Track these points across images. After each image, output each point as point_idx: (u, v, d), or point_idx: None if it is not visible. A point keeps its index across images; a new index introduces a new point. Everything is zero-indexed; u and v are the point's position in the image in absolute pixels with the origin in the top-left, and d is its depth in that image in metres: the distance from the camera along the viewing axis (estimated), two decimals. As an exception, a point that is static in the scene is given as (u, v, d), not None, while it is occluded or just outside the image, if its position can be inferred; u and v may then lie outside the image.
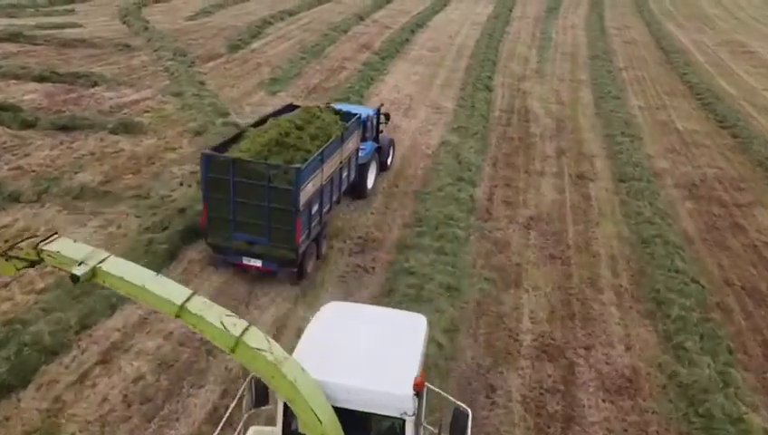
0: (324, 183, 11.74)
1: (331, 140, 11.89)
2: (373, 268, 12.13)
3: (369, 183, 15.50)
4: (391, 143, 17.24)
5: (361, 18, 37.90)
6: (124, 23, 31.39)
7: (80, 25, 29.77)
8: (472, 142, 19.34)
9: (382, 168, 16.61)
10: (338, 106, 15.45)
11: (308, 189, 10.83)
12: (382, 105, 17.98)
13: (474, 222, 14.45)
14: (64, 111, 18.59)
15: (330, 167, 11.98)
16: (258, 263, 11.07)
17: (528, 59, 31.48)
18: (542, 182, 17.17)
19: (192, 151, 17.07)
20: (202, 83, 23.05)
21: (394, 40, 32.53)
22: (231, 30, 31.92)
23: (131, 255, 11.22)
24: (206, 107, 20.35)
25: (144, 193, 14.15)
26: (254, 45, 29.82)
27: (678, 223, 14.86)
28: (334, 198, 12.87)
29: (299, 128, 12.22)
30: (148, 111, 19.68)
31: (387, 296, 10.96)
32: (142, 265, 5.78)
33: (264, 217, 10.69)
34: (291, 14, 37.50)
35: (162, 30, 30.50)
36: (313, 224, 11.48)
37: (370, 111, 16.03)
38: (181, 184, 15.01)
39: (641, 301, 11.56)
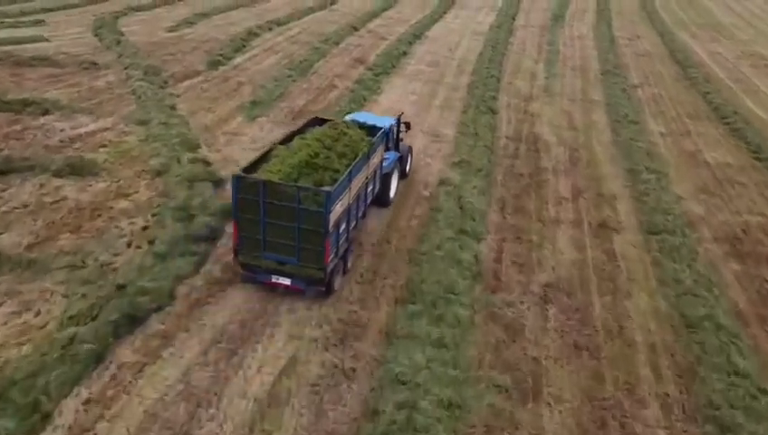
0: (352, 201, 11.90)
1: (358, 159, 11.94)
2: (354, 370, 9.63)
3: (392, 192, 15.51)
4: (410, 150, 17.20)
5: (355, 28, 35.43)
6: (96, 35, 28.90)
7: (45, 39, 27.24)
8: (475, 181, 16.87)
9: (402, 175, 16.53)
10: (357, 116, 15.80)
11: (337, 210, 10.93)
12: (402, 114, 17.87)
13: (479, 294, 11.98)
14: (1, 150, 16.19)
15: (357, 184, 12.10)
16: (287, 281, 11.24)
17: (535, 74, 29.02)
18: (557, 234, 14.70)
19: (149, 198, 14.61)
20: (173, 108, 20.57)
21: (390, 53, 30.05)
22: (213, 43, 29.44)
23: (42, 361, 8.79)
24: (174, 138, 17.87)
25: (80, 260, 11.66)
26: (237, 60, 27.33)
27: (726, 294, 12.36)
28: (360, 214, 13.09)
29: (327, 147, 12.24)
30: (104, 146, 17.19)
31: (370, 421, 8.49)
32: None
33: (294, 237, 10.81)
34: (280, 23, 35.00)
35: (137, 43, 28.02)
36: (341, 242, 11.63)
37: (392, 121, 15.82)
38: (129, 245, 12.55)
39: (696, 422, 9.10)
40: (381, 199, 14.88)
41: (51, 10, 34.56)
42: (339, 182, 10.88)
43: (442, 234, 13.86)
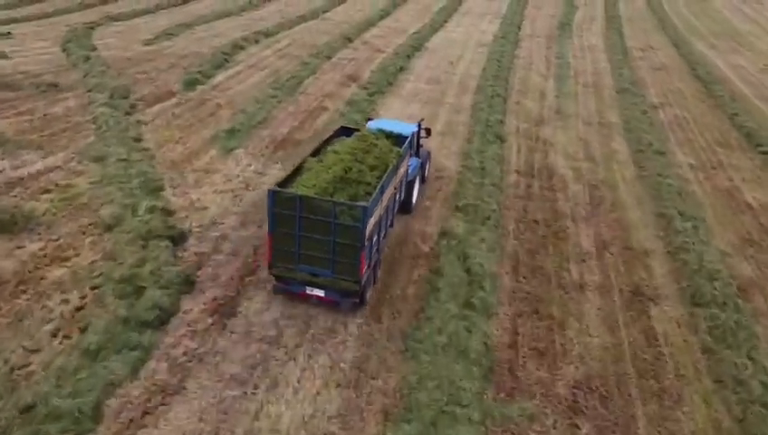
0: (383, 212, 12.01)
1: (389, 172, 12.04)
2: None
3: (414, 198, 15.50)
4: (429, 156, 17.22)
5: (349, 40, 32.94)
6: (64, 50, 26.42)
7: (5, 56, 24.74)
8: (483, 231, 14.39)
9: (421, 180, 16.46)
10: (379, 123, 15.78)
11: (371, 223, 10.95)
12: (423, 119, 17.79)
13: (492, 403, 9.52)
14: None
15: (387, 196, 12.19)
16: (321, 293, 11.33)
17: (545, 93, 26.55)
18: (583, 305, 12.22)
19: (91, 262, 12.13)
20: (137, 140, 18.09)
21: (386, 68, 27.57)
22: (192, 58, 26.97)
23: None
24: (133, 179, 15.40)
25: (-15, 362, 9.24)
26: (217, 79, 24.85)
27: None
28: (389, 224, 13.27)
29: (359, 160, 12.21)
30: (49, 191, 14.69)
31: None
32: None
33: (329, 250, 10.88)
34: (267, 34, 32.51)
35: (109, 59, 25.55)
36: (373, 253, 11.67)
37: (413, 127, 15.68)
38: (54, 335, 10.07)
39: None
40: (404, 206, 14.91)
41: (20, 20, 32.10)
42: (373, 197, 10.97)
43: (444, 310, 11.38)
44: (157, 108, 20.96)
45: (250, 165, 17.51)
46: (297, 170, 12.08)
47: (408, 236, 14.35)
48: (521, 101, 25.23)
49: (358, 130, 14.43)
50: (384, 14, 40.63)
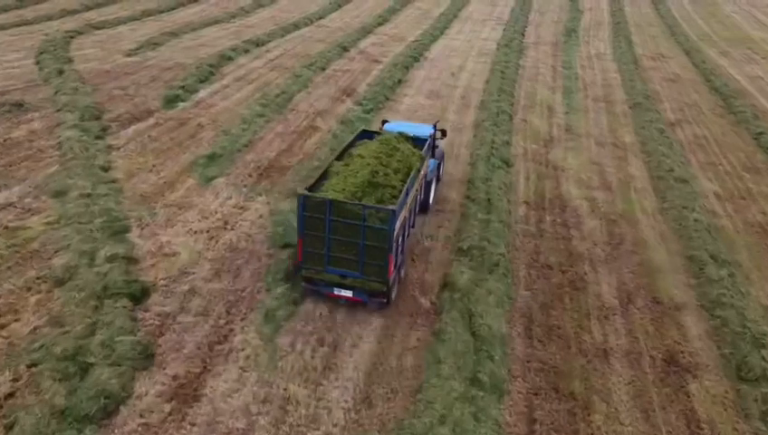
0: (407, 214, 12.31)
1: (412, 175, 12.38)
2: None
3: (431, 198, 15.80)
4: (443, 155, 17.37)
5: (345, 49, 31.15)
6: (38, 63, 24.65)
7: (-29, 70, 23.09)
8: (491, 281, 12.61)
9: (437, 179, 16.60)
10: (395, 125, 16.07)
11: (397, 226, 11.14)
12: (438, 121, 18.84)
13: None
14: None
15: (411, 198, 12.44)
16: (349, 293, 11.52)
17: (553, 108, 24.78)
18: (610, 379, 10.44)
19: (33, 329, 10.35)
20: (106, 168, 16.33)
21: (383, 81, 25.81)
22: (176, 71, 25.19)
23: None
24: (96, 218, 13.64)
25: None
26: (201, 94, 23.06)
27: None
28: (412, 224, 13.51)
29: (384, 165, 12.47)
30: (-5, 235, 13.00)
31: None
32: None
33: (358, 253, 11.11)
34: (258, 43, 30.73)
35: (85, 73, 23.79)
36: (398, 253, 11.83)
37: (430, 129, 15.92)
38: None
39: None
40: (422, 206, 14.98)
41: (-4, 29, 30.35)
42: (400, 200, 11.32)
43: (447, 388, 9.61)
44: (132, 129, 19.18)
45: (230, 198, 15.73)
46: (324, 175, 12.36)
47: (406, 287, 12.59)
48: (527, 117, 23.47)
49: (378, 133, 14.96)
50: (382, 21, 38.86)
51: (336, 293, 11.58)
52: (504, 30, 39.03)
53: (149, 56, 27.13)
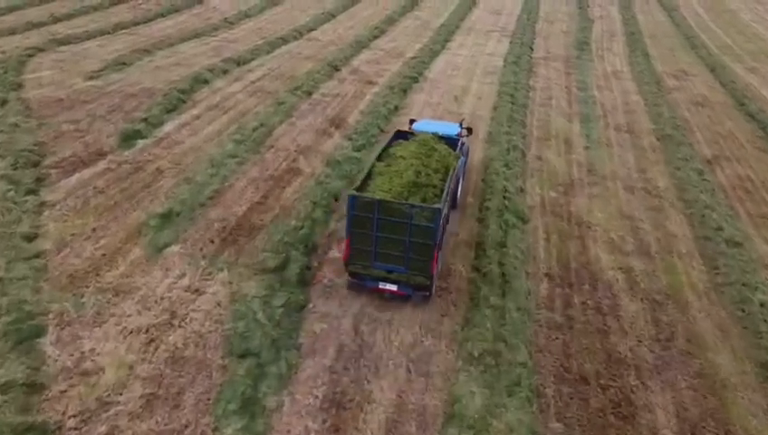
0: (446, 211, 13.03)
1: (451, 174, 13.18)
2: None
3: (458, 194, 16.13)
4: (468, 152, 17.68)
5: (336, 68, 28.06)
6: (-18, 90, 21.60)
7: None
8: (512, 410, 9.55)
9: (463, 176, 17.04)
10: (423, 125, 17.11)
11: (441, 223, 11.88)
12: (464, 119, 20.05)
13: None
14: None
15: (448, 195, 12.86)
16: (393, 287, 12.15)
17: (570, 141, 21.73)
18: None
19: None
20: (30, 238, 13.21)
21: (377, 109, 22.74)
22: (141, 98, 22.12)
23: None
24: (2, 316, 10.62)
25: None
26: (167, 128, 19.97)
27: None
28: (447, 222, 13.84)
29: (425, 165, 13.05)
30: None
31: None
32: None
33: (404, 249, 11.72)
34: (240, 62, 27.61)
35: (34, 102, 20.68)
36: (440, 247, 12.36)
37: (458, 127, 17.09)
38: None
39: None
40: (452, 202, 14.97)
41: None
42: (444, 199, 12.11)
43: None
44: (75, 178, 16.10)
45: (183, 275, 12.68)
46: (369, 176, 12.91)
47: (400, 420, 9.54)
48: (543, 154, 20.40)
49: (411, 132, 15.79)
50: (378, 33, 35.73)
51: (381, 287, 12.25)
52: (511, 42, 35.94)
53: (113, 80, 24.03)
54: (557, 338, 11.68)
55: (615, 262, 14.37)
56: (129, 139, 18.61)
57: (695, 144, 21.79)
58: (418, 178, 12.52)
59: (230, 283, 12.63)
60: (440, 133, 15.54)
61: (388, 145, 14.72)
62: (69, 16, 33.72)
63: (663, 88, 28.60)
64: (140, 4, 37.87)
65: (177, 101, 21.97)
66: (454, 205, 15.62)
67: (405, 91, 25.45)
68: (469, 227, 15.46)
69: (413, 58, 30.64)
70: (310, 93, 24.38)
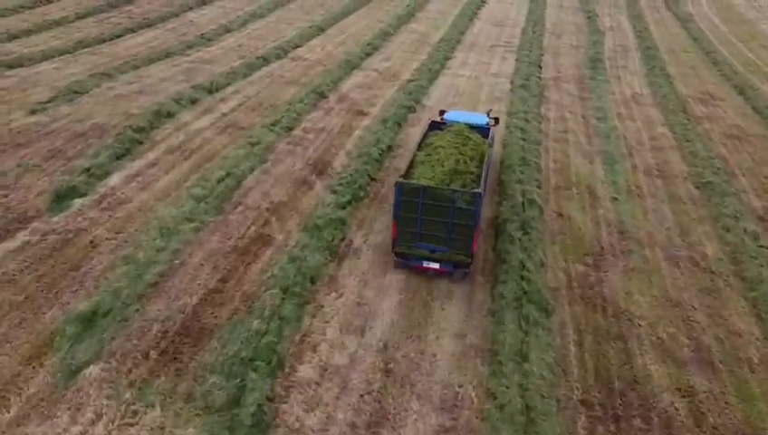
0: (484, 195, 14.12)
1: (486, 161, 14.64)
2: None
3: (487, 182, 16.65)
4: (493, 140, 17.60)
5: (322, 94, 24.67)
6: None
7: None
8: None
9: None
10: (454, 115, 18.35)
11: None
12: (491, 110, 20.84)
13: None
14: None
15: (485, 180, 14.27)
16: (436, 266, 13.37)
17: (594, 189, 18.45)
18: None
19: None
20: None
21: (368, 149, 19.42)
22: (90, 138, 18.78)
23: None
24: None
25: None
26: (113, 180, 16.62)
27: None
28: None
29: (461, 153, 14.36)
30: None
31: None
32: None
33: (447, 231, 12.96)
34: (212, 89, 24.20)
35: (-42, 146, 17.41)
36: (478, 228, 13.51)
37: (485, 118, 18.41)
38: None
39: None
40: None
41: None
42: (481, 183, 13.33)
43: None
44: (-17, 259, 12.83)
45: (99, 418, 9.37)
46: (411, 165, 14.29)
47: None
48: (563, 208, 17.12)
49: (445, 123, 16.93)
50: (371, 50, 32.31)
51: (425, 265, 13.35)
52: (517, 60, 32.64)
53: (61, 113, 20.67)
54: None
55: (670, 378, 11.10)
56: (62, 198, 15.29)
57: (741, 194, 18.53)
58: (458, 165, 13.87)
59: (161, 428, 9.34)
60: (472, 123, 16.85)
61: (425, 135, 16.10)
62: (27, 32, 30.28)
63: (691, 117, 25.33)
64: (110, 17, 34.45)
65: (131, 142, 18.63)
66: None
67: (400, 125, 22.12)
68: (480, 326, 12.19)
69: (409, 81, 27.31)
70: (290, 129, 21.06)
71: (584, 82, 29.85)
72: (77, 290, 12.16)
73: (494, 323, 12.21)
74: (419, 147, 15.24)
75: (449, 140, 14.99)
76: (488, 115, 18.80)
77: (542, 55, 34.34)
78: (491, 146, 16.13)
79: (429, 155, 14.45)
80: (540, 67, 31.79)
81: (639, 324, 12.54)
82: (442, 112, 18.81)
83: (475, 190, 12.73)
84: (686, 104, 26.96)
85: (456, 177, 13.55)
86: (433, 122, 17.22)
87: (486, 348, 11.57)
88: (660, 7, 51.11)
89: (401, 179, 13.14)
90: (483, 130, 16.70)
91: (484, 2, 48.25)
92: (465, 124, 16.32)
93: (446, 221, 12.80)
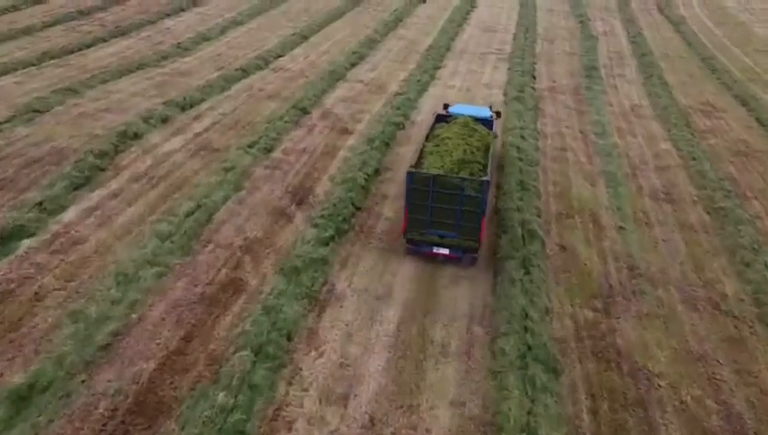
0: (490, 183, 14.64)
1: (491, 151, 15.42)
2: None
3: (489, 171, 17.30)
4: (496, 133, 18.19)
5: (304, 110, 23.02)
6: None
7: None
8: None
9: None
10: (459, 108, 19.02)
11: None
12: (492, 104, 22.45)
13: None
14: None
15: (491, 169, 14.96)
16: (446, 251, 13.95)
17: (598, 217, 16.99)
18: None
19: None
20: None
21: (352, 173, 17.83)
22: (46, 165, 17.07)
23: None
24: None
25: None
26: (68, 216, 14.91)
27: None
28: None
29: (468, 144, 15.01)
30: None
31: None
32: None
33: (456, 217, 13.63)
34: (185, 105, 22.41)
35: None
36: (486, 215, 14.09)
37: (489, 111, 19.10)
38: None
39: None
40: None
41: None
42: (488, 172, 14.04)
43: None
44: None
45: None
46: (421, 156, 14.95)
47: None
48: (567, 241, 15.63)
49: (451, 116, 17.65)
50: (356, 59, 30.68)
51: (435, 251, 14.00)
52: (509, 68, 31.20)
53: (17, 136, 18.92)
54: None
55: (700, 457, 9.66)
56: (7, 239, 13.57)
57: (756, 221, 17.13)
58: (465, 155, 14.48)
59: None
60: (476, 116, 17.50)
61: (432, 128, 16.82)
62: (-10, 42, 28.48)
63: (695, 131, 23.99)
64: (81, 25, 32.58)
65: (91, 170, 16.94)
66: None
67: (387, 145, 20.54)
68: (479, 390, 10.67)
69: (397, 94, 25.76)
70: (268, 151, 19.43)
71: (580, 92, 28.45)
72: (13, 357, 10.50)
73: (495, 387, 10.72)
74: (427, 138, 16.00)
75: (456, 132, 15.65)
76: (491, 108, 19.80)
77: (535, 63, 32.92)
78: (496, 137, 17.17)
79: (438, 146, 15.07)
80: (533, 77, 30.33)
81: (660, 385, 11.08)
82: (446, 106, 19.47)
83: (483, 178, 13.44)
84: (687, 116, 25.58)
85: (464, 166, 14.21)
86: (439, 115, 17.99)
87: (488, 421, 10.07)
88: (652, 10, 49.93)
89: (412, 169, 13.78)
90: (486, 123, 17.42)
91: (474, 6, 46.84)
92: (470, 117, 17.03)
93: (456, 208, 13.44)
